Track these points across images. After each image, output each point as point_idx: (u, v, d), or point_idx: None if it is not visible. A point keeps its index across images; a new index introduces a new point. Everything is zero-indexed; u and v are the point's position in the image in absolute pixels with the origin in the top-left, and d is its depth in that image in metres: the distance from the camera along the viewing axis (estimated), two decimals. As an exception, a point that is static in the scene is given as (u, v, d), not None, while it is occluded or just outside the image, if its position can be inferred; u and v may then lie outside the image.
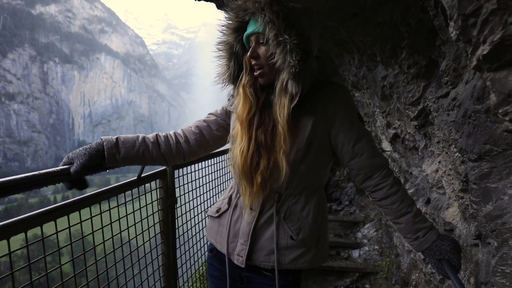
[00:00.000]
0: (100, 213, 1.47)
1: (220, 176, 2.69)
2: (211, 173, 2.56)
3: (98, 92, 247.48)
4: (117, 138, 1.26)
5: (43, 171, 1.10)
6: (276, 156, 1.20)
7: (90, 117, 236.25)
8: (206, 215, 1.52)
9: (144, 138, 1.32)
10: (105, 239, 1.50)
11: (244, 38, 1.25)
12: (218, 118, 1.47)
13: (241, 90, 1.27)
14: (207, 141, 1.44)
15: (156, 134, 1.38)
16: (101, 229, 1.47)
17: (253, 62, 1.22)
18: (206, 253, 1.56)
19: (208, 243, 1.51)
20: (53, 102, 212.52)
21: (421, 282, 2.44)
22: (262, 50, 1.20)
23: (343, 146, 1.27)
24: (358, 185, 1.34)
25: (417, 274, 2.58)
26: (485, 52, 0.88)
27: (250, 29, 1.21)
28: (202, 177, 2.35)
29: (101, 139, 1.24)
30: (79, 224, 1.32)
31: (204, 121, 1.46)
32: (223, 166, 2.72)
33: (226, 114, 1.47)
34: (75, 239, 1.34)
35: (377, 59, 2.46)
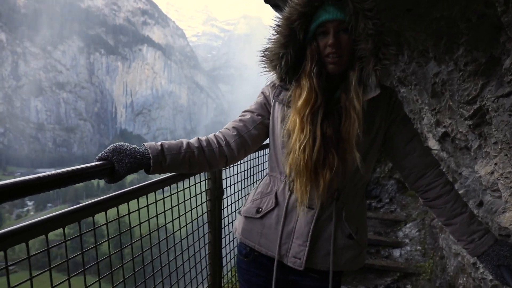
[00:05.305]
0: (147, 205, 1.41)
1: (263, 170, 2.70)
2: (257, 165, 2.59)
3: (139, 82, 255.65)
4: (162, 145, 1.18)
5: (86, 165, 1.03)
6: (345, 149, 1.15)
7: (131, 106, 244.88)
8: (241, 216, 1.41)
9: (188, 143, 1.24)
10: (150, 230, 1.50)
11: (316, 24, 1.14)
12: (254, 115, 1.36)
13: (304, 81, 1.19)
14: (246, 142, 1.33)
15: (198, 139, 1.29)
16: (147, 221, 1.45)
17: (332, 51, 1.12)
18: (237, 258, 1.45)
19: (240, 246, 1.41)
20: (98, 91, 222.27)
21: (469, 287, 2.35)
22: (344, 38, 1.12)
23: (398, 145, 1.26)
24: (409, 186, 1.31)
25: (464, 279, 2.49)
26: None
27: (328, 15, 1.11)
28: (249, 169, 2.40)
29: (145, 146, 1.16)
30: (127, 215, 1.33)
31: (240, 120, 1.35)
32: (266, 160, 2.71)
33: (263, 108, 1.36)
34: (123, 230, 1.35)
35: (429, 55, 2.37)
